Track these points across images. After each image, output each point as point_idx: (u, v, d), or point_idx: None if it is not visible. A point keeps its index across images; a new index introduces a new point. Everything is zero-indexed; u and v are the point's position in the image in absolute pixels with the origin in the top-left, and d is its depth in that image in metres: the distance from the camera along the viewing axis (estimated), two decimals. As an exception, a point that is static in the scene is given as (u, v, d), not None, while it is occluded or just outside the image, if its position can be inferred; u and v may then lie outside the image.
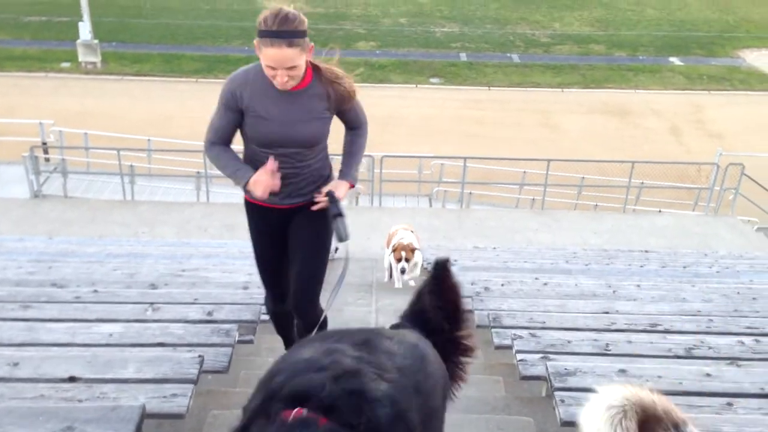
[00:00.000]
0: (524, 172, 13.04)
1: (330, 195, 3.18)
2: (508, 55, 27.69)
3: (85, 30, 23.28)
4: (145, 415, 2.43)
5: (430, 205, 12.79)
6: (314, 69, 3.15)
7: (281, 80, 2.95)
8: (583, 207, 12.79)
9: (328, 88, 3.15)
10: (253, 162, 3.24)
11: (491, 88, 24.40)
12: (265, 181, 3.16)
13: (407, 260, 7.02)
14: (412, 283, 7.09)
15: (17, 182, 11.77)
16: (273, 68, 2.91)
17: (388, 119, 19.84)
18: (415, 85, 24.29)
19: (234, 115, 3.16)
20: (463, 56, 27.34)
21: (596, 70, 26.10)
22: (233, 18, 29.49)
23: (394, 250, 7.14)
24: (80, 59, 23.83)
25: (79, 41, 23.58)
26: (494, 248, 8.76)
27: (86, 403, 2.61)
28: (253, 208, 3.46)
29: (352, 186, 3.37)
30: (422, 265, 7.32)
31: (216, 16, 30.10)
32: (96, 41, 23.79)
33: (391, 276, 7.42)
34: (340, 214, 3.15)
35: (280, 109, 3.09)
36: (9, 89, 21.14)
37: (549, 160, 11.94)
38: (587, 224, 11.03)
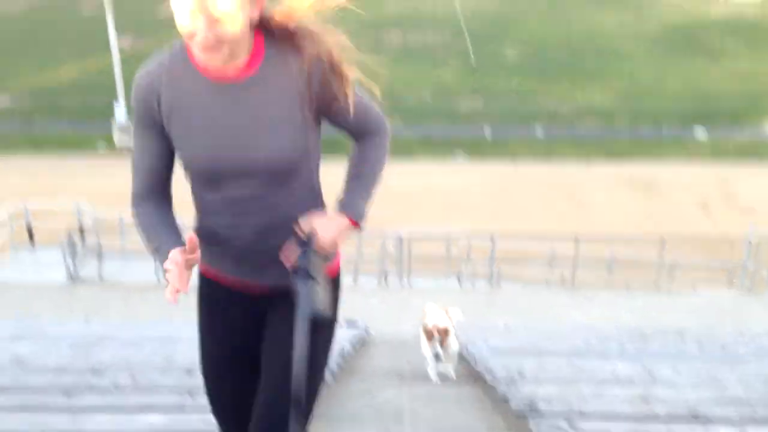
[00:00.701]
0: (553, 248, 13.03)
1: (309, 237, 1.88)
2: (532, 128, 28.04)
3: (120, 112, 24.08)
4: None
5: (460, 284, 12.79)
6: (266, 36, 1.86)
7: (203, 41, 1.69)
8: (614, 284, 12.70)
9: (295, 60, 1.85)
10: (207, 219, 2.03)
11: (516, 162, 24.62)
12: (172, 275, 1.82)
13: (441, 344, 6.13)
14: (452, 373, 6.35)
15: (54, 265, 12.04)
16: (188, 18, 1.67)
17: (414, 196, 20.10)
18: (440, 161, 24.62)
19: (158, 136, 1.95)
20: (488, 131, 27.74)
21: (620, 144, 26.28)
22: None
23: (425, 334, 6.29)
24: (116, 141, 24.56)
25: (114, 123, 24.36)
26: (526, 328, 8.71)
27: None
28: (209, 286, 2.15)
29: (356, 224, 2.01)
30: (459, 352, 6.52)
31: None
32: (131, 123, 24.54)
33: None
34: (306, 272, 1.84)
35: (216, 111, 1.85)
36: (47, 171, 21.85)
37: (577, 238, 11.96)
38: (620, 302, 10.93)
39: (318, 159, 2.09)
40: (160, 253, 1.93)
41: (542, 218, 18.46)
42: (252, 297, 2.10)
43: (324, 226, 1.92)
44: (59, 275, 11.77)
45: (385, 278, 12.51)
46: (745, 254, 12.10)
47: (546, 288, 12.45)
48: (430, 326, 6.33)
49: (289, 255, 1.90)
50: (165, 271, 1.85)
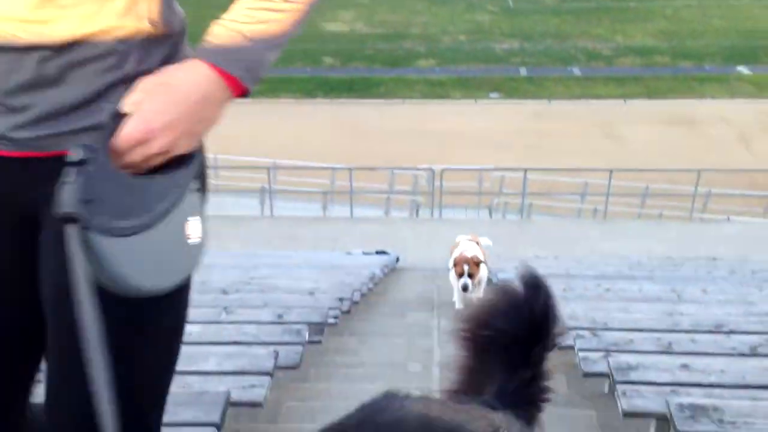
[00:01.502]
0: (586, 182, 12.93)
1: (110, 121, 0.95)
2: (569, 68, 27.48)
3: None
4: (229, 401, 2.60)
5: (491, 217, 12.83)
6: None
7: None
8: (647, 216, 12.60)
9: None
10: None
11: (552, 101, 24.25)
12: None
13: (470, 276, 5.95)
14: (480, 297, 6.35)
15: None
16: None
17: (448, 134, 20.01)
18: (474, 101, 24.36)
19: None
20: (523, 71, 27.29)
21: (660, 81, 25.66)
22: (295, 40, 30.15)
23: (455, 265, 6.09)
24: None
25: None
26: (556, 257, 8.75)
27: (174, 390, 2.81)
28: None
29: (235, 84, 1.01)
30: (488, 279, 6.36)
31: (278, 37, 30.75)
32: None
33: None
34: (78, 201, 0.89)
35: None
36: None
37: (611, 170, 11.84)
38: (652, 233, 10.86)
39: None
40: None
41: (576, 154, 18.24)
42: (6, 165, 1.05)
43: (152, 95, 0.97)
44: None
45: (417, 211, 12.60)
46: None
47: (577, 220, 12.42)
48: (459, 257, 6.14)
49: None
50: None
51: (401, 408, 0.99)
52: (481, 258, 6.18)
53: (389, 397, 1.01)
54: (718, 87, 25.10)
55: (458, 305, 6.16)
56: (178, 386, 2.95)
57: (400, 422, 0.95)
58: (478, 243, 6.55)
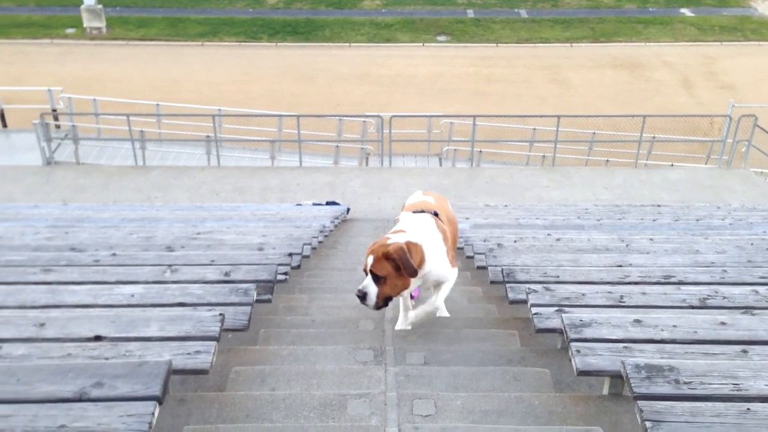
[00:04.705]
0: (534, 129, 12.96)
1: None
2: (516, 10, 27.26)
3: (88, -6, 23.16)
4: (171, 371, 2.48)
5: (441, 165, 12.78)
6: None
7: None
8: (594, 163, 12.74)
9: None
10: None
11: (499, 44, 24.09)
12: None
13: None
14: (445, 311, 4.06)
15: (29, 149, 11.84)
16: None
17: (396, 79, 19.72)
18: (422, 44, 24.01)
19: None
20: (470, 13, 26.95)
21: (605, 24, 25.69)
22: (237, -21, 29.14)
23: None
24: (85, 25, 23.71)
25: (83, 6, 23.46)
26: (506, 205, 8.77)
27: (113, 360, 2.67)
28: None
29: None
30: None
31: (219, -23, 29.68)
32: (100, 6, 23.64)
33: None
34: None
35: None
36: (15, 57, 21.08)
37: (559, 116, 11.86)
38: (598, 180, 11.00)
39: None
40: None
41: (524, 99, 18.25)
42: None
43: None
44: (35, 159, 11.61)
45: (367, 160, 12.45)
46: (725, 130, 12.10)
47: (526, 167, 12.47)
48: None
49: None
50: None
51: None
52: (439, 238, 3.57)
53: None
54: (661, 30, 25.29)
55: (399, 324, 3.81)
56: (116, 354, 2.82)
57: None
58: (436, 214, 3.70)
